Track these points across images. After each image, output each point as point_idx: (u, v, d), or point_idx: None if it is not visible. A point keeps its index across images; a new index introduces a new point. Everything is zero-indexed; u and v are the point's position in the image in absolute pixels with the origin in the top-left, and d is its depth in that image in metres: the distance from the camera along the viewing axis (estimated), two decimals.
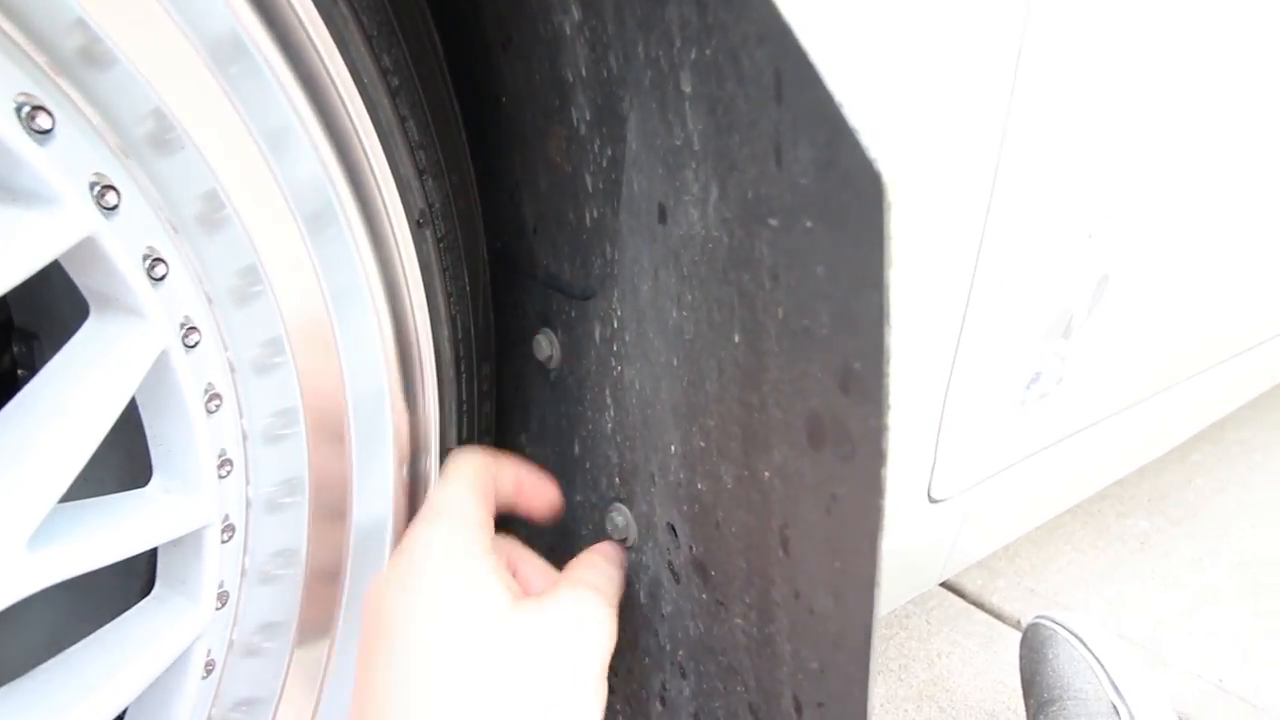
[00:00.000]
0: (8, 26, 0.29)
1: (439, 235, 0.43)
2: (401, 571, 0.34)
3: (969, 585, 1.25)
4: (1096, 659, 0.77)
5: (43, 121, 0.30)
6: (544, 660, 0.32)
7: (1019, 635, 0.91)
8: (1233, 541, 1.39)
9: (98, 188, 0.32)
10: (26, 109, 0.29)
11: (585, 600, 0.35)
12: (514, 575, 0.40)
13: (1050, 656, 0.80)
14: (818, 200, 0.24)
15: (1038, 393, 0.65)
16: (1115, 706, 0.74)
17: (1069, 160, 0.55)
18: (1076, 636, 0.79)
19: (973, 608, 1.21)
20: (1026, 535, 1.29)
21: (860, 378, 0.24)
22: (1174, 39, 0.58)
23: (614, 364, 0.43)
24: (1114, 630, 1.15)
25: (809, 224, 0.25)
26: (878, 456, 0.24)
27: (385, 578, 0.35)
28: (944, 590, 1.24)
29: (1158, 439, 1.13)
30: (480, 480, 0.40)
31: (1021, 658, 0.86)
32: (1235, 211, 0.76)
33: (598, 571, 0.39)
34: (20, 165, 0.29)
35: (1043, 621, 0.84)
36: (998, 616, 1.19)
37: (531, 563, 0.44)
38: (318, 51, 0.35)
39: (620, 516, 0.45)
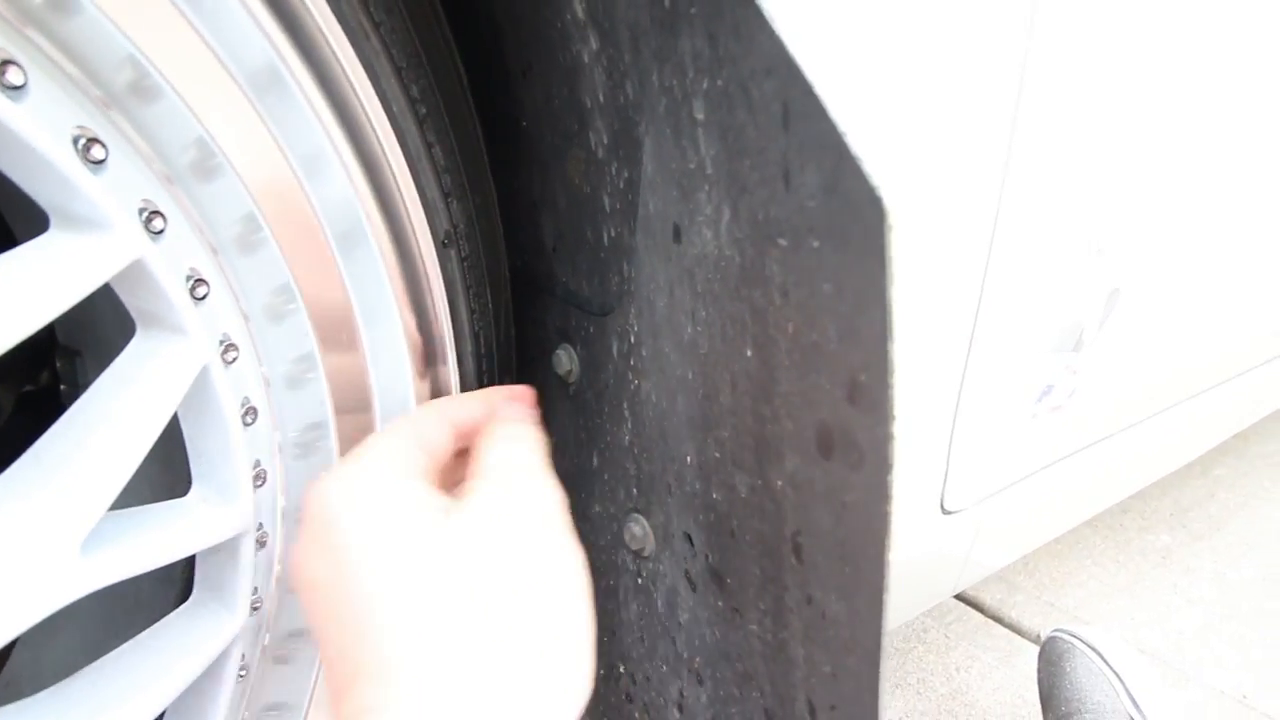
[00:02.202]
0: (66, 64, 0.31)
1: (463, 255, 0.45)
2: (312, 535, 0.32)
3: (988, 599, 1.24)
4: (1115, 673, 0.76)
5: (97, 153, 0.32)
6: (500, 551, 0.30)
7: (1038, 649, 0.91)
8: (1256, 556, 1.37)
9: (146, 213, 0.34)
10: (83, 141, 0.31)
11: (510, 459, 0.34)
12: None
13: (1068, 670, 0.79)
14: (824, 222, 0.26)
15: (1050, 405, 0.66)
16: (1133, 719, 0.74)
17: (1076, 175, 0.56)
18: (1095, 650, 0.79)
19: (992, 622, 1.20)
20: (1046, 549, 1.29)
21: (866, 389, 0.26)
22: (1182, 51, 0.59)
23: (631, 378, 0.45)
24: (1134, 645, 1.14)
25: (816, 244, 0.26)
26: (884, 465, 0.25)
27: (298, 546, 0.33)
28: (962, 604, 1.24)
29: (1175, 453, 1.12)
30: (420, 428, 0.38)
31: (1040, 671, 0.86)
32: (1247, 223, 0.76)
33: (508, 424, 0.37)
34: (77, 194, 0.31)
35: (1061, 635, 0.84)
36: (1017, 631, 1.18)
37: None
38: (350, 82, 0.37)
39: (638, 526, 0.46)
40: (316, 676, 0.49)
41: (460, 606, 0.29)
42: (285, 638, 0.48)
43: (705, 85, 0.30)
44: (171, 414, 0.35)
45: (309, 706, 0.49)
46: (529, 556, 0.31)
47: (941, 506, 0.62)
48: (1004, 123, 0.49)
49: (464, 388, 0.48)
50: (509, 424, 0.39)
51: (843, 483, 0.28)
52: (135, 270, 0.33)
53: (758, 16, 0.25)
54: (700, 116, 0.31)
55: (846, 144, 0.23)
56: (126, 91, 0.33)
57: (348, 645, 0.28)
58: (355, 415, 0.45)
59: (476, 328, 0.48)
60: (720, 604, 0.41)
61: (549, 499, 0.33)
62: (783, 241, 0.28)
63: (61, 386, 0.58)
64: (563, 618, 0.31)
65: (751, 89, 0.27)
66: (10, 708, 0.36)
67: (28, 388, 0.63)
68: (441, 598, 0.29)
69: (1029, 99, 0.49)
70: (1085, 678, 0.76)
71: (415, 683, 0.27)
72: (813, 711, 0.35)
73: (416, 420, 0.38)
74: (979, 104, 0.48)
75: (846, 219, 0.24)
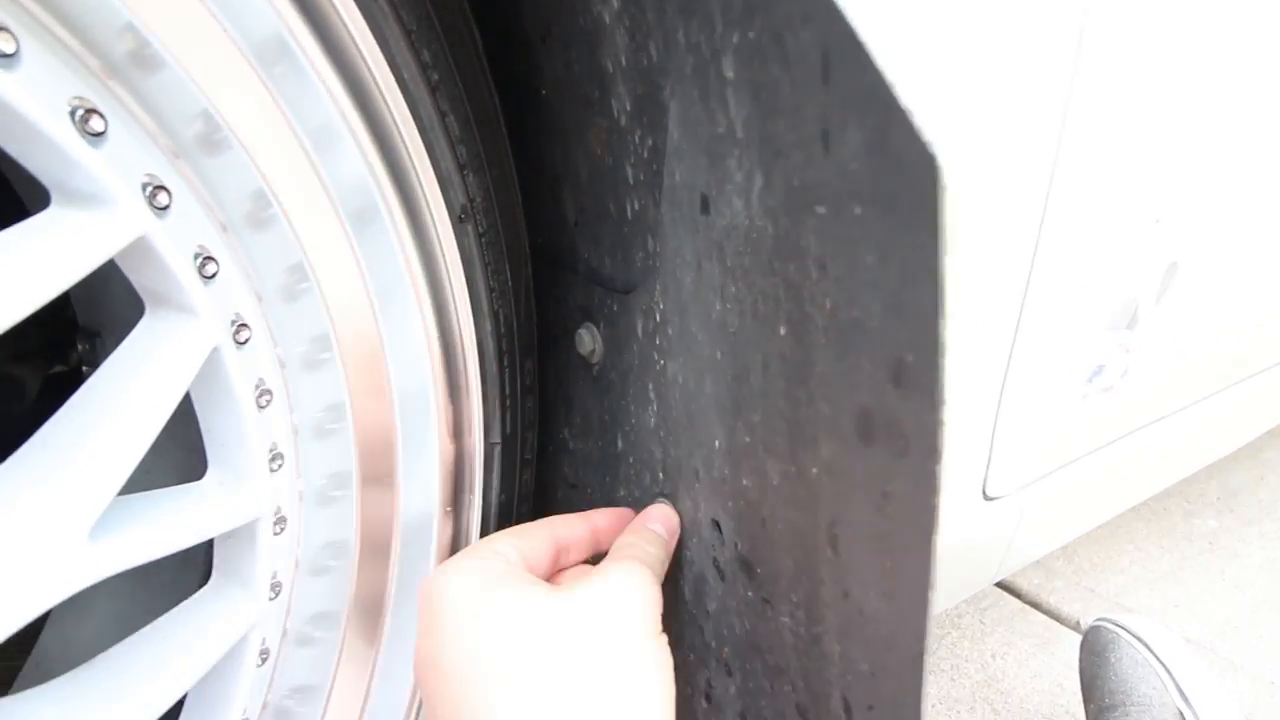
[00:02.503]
0: (61, 31, 0.30)
1: (480, 230, 0.43)
2: (430, 624, 0.35)
3: (1025, 585, 1.21)
4: (1162, 664, 0.73)
5: (96, 124, 0.30)
6: (584, 635, 0.33)
7: (1078, 637, 0.88)
8: None
9: (150, 188, 0.33)
10: (80, 112, 0.30)
11: (616, 573, 0.35)
12: None
13: (1113, 660, 0.76)
14: (868, 186, 0.23)
15: (1100, 386, 0.62)
16: (1182, 713, 0.71)
17: (1135, 141, 0.52)
18: (1141, 640, 0.76)
19: (1029, 608, 1.17)
20: (1086, 534, 1.25)
21: (913, 371, 0.23)
22: (1247, 10, 0.54)
23: (657, 358, 0.43)
24: (1180, 633, 1.10)
25: (858, 210, 0.24)
26: (932, 453, 0.23)
27: (419, 637, 0.36)
28: (999, 590, 1.21)
29: (1228, 435, 1.07)
30: (530, 537, 0.40)
31: (1082, 660, 0.83)
32: None
33: (632, 544, 0.39)
34: (75, 167, 0.30)
35: (1105, 624, 0.81)
36: (1055, 617, 1.15)
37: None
38: (359, 48, 0.35)
39: None
40: (340, 659, 0.48)
41: (551, 689, 0.31)
42: (307, 620, 0.47)
43: (735, 39, 0.28)
44: (181, 396, 0.34)
45: (332, 689, 0.48)
46: (614, 657, 0.33)
47: (984, 492, 0.59)
48: (1062, 80, 0.45)
49: (483, 366, 0.46)
50: (641, 534, 0.41)
51: (885, 471, 0.26)
52: (140, 247, 0.32)
53: None
54: (730, 74, 0.29)
55: (895, 96, 0.21)
56: (126, 61, 0.32)
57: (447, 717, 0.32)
58: (373, 398, 0.43)
59: (495, 306, 0.46)
60: (750, 594, 0.39)
61: (649, 609, 0.35)
62: (821, 209, 0.26)
63: (84, 368, 0.58)
64: (641, 713, 0.32)
65: (787, 39, 0.25)
66: (33, 691, 0.36)
67: (58, 368, 0.63)
68: (534, 679, 0.32)
69: (1088, 55, 0.45)
70: (1131, 669, 0.73)
71: None
72: (848, 710, 0.33)
73: (521, 531, 0.40)
74: (1034, 61, 0.45)
75: (894, 181, 0.22)
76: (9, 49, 0.27)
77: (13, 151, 0.29)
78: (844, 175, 0.24)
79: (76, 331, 0.56)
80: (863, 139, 0.23)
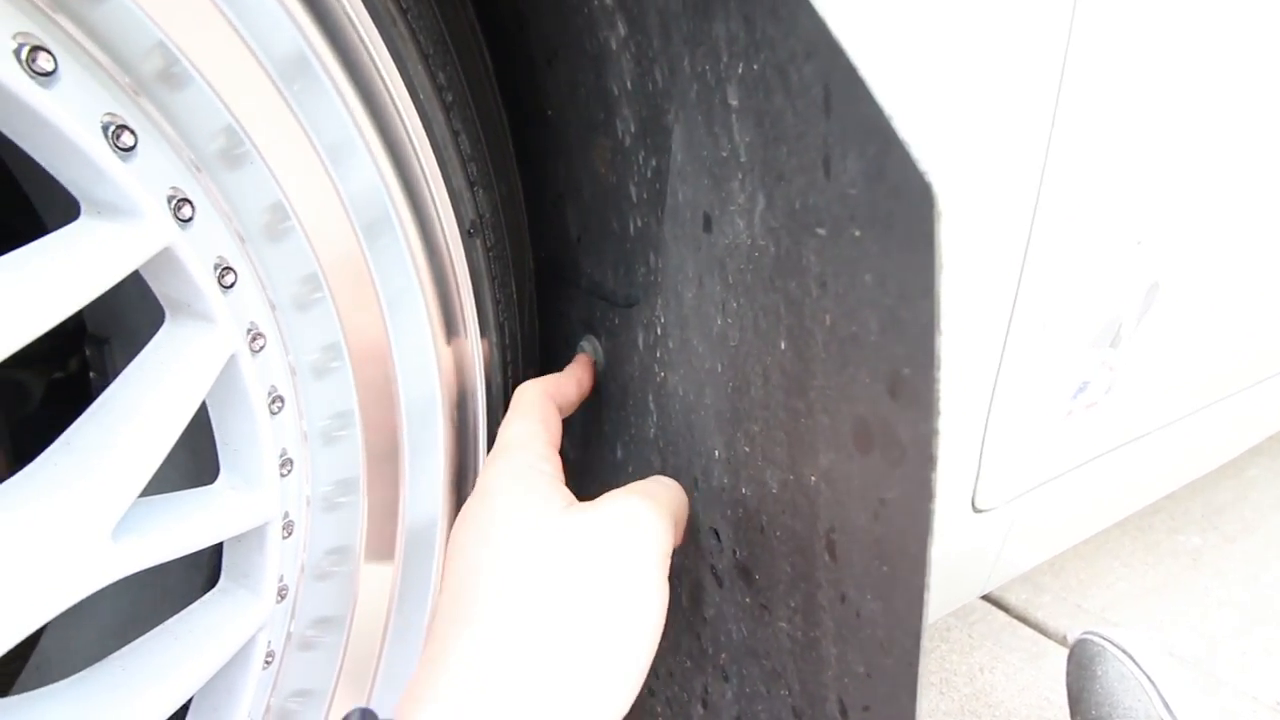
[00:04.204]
0: (96, 50, 0.31)
1: (489, 244, 0.45)
2: (471, 504, 0.37)
3: (1013, 599, 1.23)
4: (1148, 677, 0.75)
5: (127, 140, 0.32)
6: (592, 553, 0.33)
7: (1065, 651, 0.89)
8: None
9: (174, 201, 0.34)
10: (113, 128, 0.31)
11: (636, 503, 0.36)
12: None
13: (1099, 673, 0.78)
14: (866, 210, 0.25)
15: (1085, 402, 0.64)
16: None
17: (1117, 165, 0.54)
18: (1126, 654, 0.77)
19: (1017, 622, 1.19)
20: (1073, 549, 1.26)
21: (909, 383, 0.25)
22: (1228, 39, 0.57)
23: (657, 370, 0.44)
24: (1164, 649, 1.12)
25: (857, 233, 0.25)
26: (927, 461, 0.24)
27: (461, 515, 0.37)
28: (987, 604, 1.22)
29: (1211, 452, 1.09)
30: (543, 411, 0.42)
31: (1069, 674, 0.84)
32: None
33: (655, 483, 0.40)
34: (106, 180, 0.31)
35: (1091, 637, 0.82)
36: (1043, 632, 1.16)
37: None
38: (378, 69, 0.36)
39: None
40: (342, 663, 0.49)
41: (549, 594, 0.32)
42: (310, 624, 0.48)
43: (740, 70, 0.29)
44: (200, 401, 0.35)
45: (334, 692, 0.49)
46: (620, 579, 0.33)
47: (973, 504, 0.60)
48: (1045, 108, 0.47)
49: (487, 377, 0.47)
50: (659, 481, 0.42)
51: (882, 479, 0.27)
52: (164, 258, 0.33)
53: None
54: (734, 102, 0.31)
55: (893, 128, 0.22)
56: (155, 78, 0.33)
57: (451, 589, 0.34)
58: (380, 406, 0.44)
59: (501, 318, 0.47)
60: (748, 600, 0.40)
61: (660, 542, 0.35)
62: (821, 231, 0.27)
63: (90, 374, 0.58)
64: (628, 644, 0.32)
65: (790, 73, 0.26)
66: (43, 691, 0.36)
67: (57, 374, 0.64)
68: (530, 580, 0.33)
69: (1071, 84, 0.48)
70: (1116, 682, 0.75)
71: (486, 643, 0.31)
72: (844, 711, 0.34)
73: (538, 405, 0.42)
74: (1019, 90, 0.47)
75: (892, 207, 0.23)
76: (48, 67, 0.29)
77: (48, 164, 0.30)
78: (844, 199, 0.25)
79: (84, 337, 0.57)
80: (862, 166, 0.24)
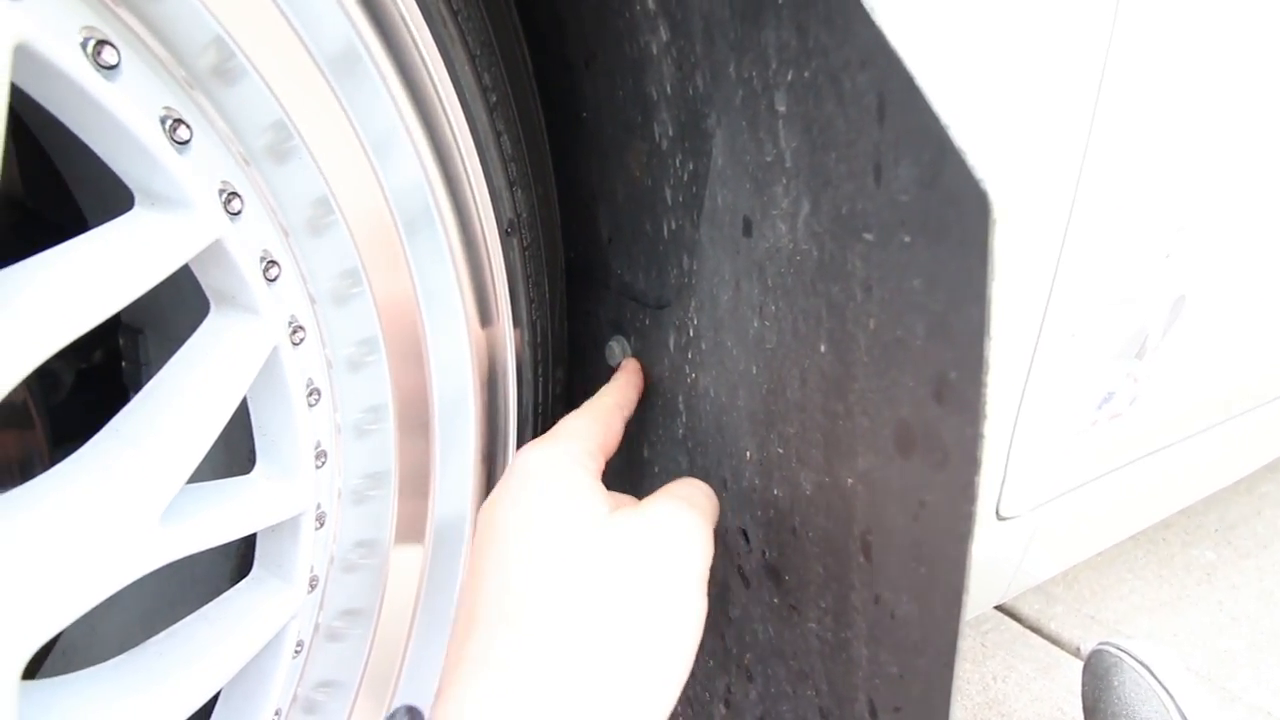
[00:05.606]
0: (155, 45, 0.32)
1: (525, 243, 0.45)
2: (507, 487, 0.36)
3: (1026, 610, 1.22)
4: (1165, 689, 0.74)
5: (182, 133, 0.32)
6: (638, 563, 0.33)
7: (1078, 662, 0.89)
8: None
9: (225, 194, 0.34)
10: (170, 121, 0.32)
11: (680, 510, 0.35)
12: None
13: (1116, 685, 0.77)
14: (918, 216, 0.25)
15: (1110, 413, 0.64)
16: None
17: (1149, 178, 0.54)
18: (1144, 665, 0.77)
19: (1030, 632, 1.18)
20: (1087, 561, 1.26)
21: (956, 387, 0.25)
22: (1258, 56, 0.57)
23: (689, 371, 0.44)
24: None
25: (907, 239, 0.26)
26: (972, 464, 0.25)
27: (493, 494, 0.37)
28: (1000, 614, 1.22)
29: (1230, 466, 1.09)
30: (608, 415, 0.42)
31: (1084, 684, 0.84)
32: None
33: (693, 488, 0.40)
34: (162, 173, 0.32)
35: (1108, 648, 0.82)
36: (1056, 642, 1.16)
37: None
38: (427, 68, 0.37)
39: None
40: (368, 655, 0.49)
41: (595, 600, 0.32)
42: (338, 616, 0.48)
43: (790, 77, 0.30)
44: (244, 391, 0.35)
45: (360, 685, 0.50)
46: (666, 589, 0.33)
47: (997, 512, 0.60)
48: (1082, 121, 0.48)
49: (518, 374, 0.48)
50: (693, 484, 0.41)
51: (923, 482, 0.28)
52: (215, 250, 0.34)
53: (856, 7, 0.25)
54: (782, 109, 0.31)
55: (949, 136, 0.22)
56: (210, 73, 0.33)
57: (487, 582, 0.33)
58: (413, 402, 0.45)
59: (534, 317, 0.48)
60: (776, 601, 0.40)
61: (706, 554, 0.35)
62: (869, 236, 0.27)
63: (123, 364, 0.59)
64: (670, 654, 0.32)
65: (844, 81, 0.27)
66: (84, 673, 0.37)
67: (83, 365, 0.65)
68: (575, 585, 0.32)
69: (1107, 100, 0.48)
70: (1133, 693, 0.74)
71: (531, 647, 0.30)
72: (874, 712, 0.34)
73: (603, 409, 0.42)
74: (1054, 108, 0.47)
75: (945, 214, 0.24)
76: (112, 61, 0.29)
77: (107, 155, 0.31)
78: (894, 206, 0.26)
79: (119, 328, 0.58)
80: (915, 174, 0.24)
